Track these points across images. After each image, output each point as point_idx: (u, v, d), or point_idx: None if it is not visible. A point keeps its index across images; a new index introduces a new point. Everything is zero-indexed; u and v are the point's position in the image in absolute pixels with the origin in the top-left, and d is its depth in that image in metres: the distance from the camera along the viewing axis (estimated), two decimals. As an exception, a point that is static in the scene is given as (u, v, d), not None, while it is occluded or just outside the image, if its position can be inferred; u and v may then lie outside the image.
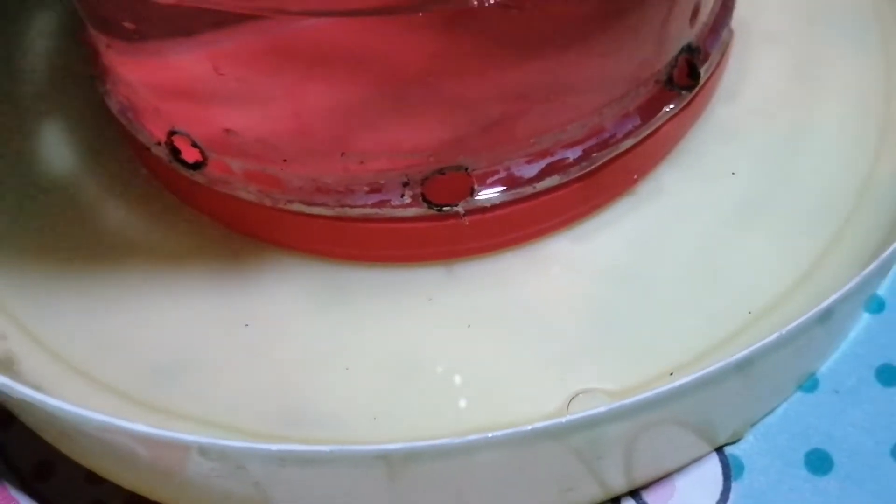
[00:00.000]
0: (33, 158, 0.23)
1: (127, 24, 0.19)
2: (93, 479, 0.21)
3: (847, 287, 0.18)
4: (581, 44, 0.18)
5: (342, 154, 0.19)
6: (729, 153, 0.23)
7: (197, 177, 0.20)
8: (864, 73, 0.24)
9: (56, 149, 0.24)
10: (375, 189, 0.19)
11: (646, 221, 0.22)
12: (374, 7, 0.16)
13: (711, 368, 0.17)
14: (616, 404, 0.16)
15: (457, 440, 0.16)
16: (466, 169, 0.19)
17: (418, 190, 0.19)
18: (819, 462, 0.20)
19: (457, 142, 0.19)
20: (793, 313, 0.19)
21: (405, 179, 0.19)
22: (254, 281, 0.21)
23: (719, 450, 0.20)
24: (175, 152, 0.20)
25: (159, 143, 0.21)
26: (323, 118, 0.18)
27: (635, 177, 0.22)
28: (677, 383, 0.16)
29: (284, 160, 0.19)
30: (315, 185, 0.19)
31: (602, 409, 0.16)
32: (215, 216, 0.22)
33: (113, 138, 0.23)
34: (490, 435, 0.16)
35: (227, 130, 0.19)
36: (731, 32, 0.23)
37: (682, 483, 0.20)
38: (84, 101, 0.24)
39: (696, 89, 0.21)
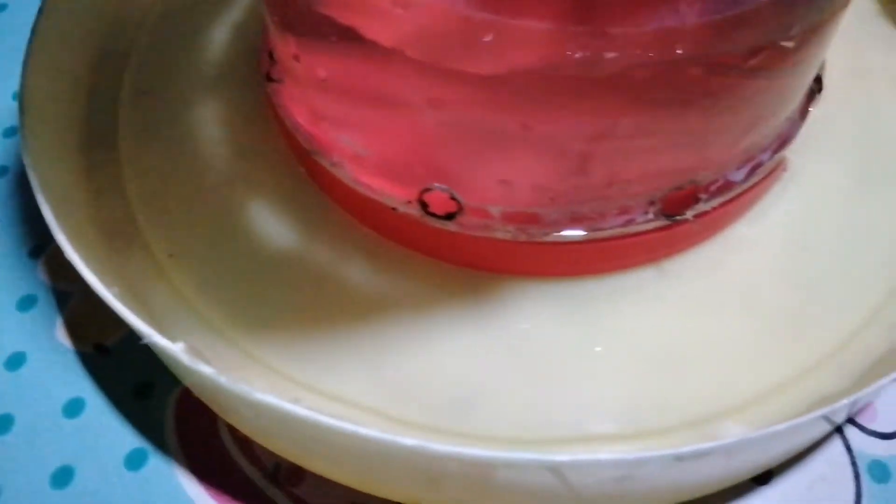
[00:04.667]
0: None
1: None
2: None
3: None
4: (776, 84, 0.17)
5: (609, 185, 0.17)
6: None
7: (449, 226, 0.18)
8: None
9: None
10: (624, 211, 0.18)
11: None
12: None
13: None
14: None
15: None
16: (697, 182, 0.18)
17: (659, 206, 0.18)
18: None
19: (698, 163, 0.18)
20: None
21: (651, 199, 0.18)
22: (499, 309, 0.19)
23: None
24: (424, 206, 0.18)
25: (409, 202, 0.18)
26: (604, 157, 0.17)
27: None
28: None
29: (551, 198, 0.17)
30: (571, 216, 0.18)
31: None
32: (455, 260, 0.20)
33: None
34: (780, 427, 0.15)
35: (503, 181, 0.17)
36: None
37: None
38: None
39: None
